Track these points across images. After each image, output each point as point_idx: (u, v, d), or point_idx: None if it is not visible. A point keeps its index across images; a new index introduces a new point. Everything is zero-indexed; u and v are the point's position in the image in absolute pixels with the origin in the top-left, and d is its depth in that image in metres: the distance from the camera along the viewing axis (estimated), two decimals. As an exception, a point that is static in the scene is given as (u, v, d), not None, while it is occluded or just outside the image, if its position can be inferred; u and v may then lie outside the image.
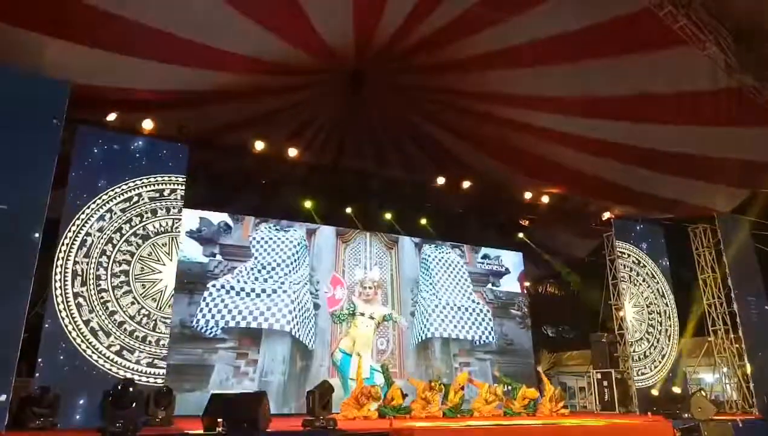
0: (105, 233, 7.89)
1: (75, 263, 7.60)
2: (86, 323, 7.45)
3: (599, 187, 12.01)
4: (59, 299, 7.35)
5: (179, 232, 8.59)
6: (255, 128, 10.63)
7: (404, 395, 9.35)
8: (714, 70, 8.40)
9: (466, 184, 12.11)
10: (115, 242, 7.96)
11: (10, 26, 7.09)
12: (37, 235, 6.63)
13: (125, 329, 7.67)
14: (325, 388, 7.34)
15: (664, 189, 11.69)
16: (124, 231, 8.05)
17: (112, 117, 8.77)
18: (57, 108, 7.10)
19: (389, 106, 11.49)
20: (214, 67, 8.97)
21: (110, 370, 7.42)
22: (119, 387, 6.76)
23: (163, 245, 8.28)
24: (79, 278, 7.56)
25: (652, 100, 9.36)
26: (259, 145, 10.28)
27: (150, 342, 7.78)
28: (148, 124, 8.85)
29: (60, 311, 7.31)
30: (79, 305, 7.47)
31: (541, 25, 8.45)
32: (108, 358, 7.46)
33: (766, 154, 10.31)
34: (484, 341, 13.12)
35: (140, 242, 8.12)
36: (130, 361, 7.56)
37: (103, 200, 7.96)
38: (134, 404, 6.68)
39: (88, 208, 7.84)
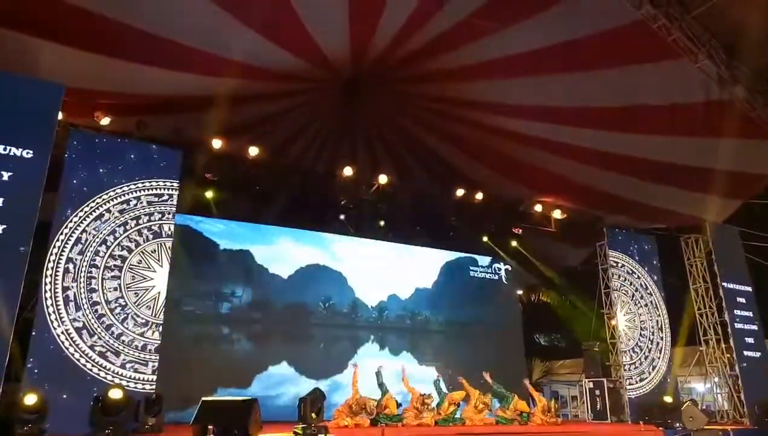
0: (100, 235, 7.82)
1: (67, 260, 7.56)
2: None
3: (592, 196, 12.07)
4: (48, 301, 7.28)
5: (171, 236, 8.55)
6: (250, 134, 10.61)
7: (398, 405, 9.30)
8: (706, 82, 8.49)
9: (459, 192, 12.13)
10: (118, 234, 7.97)
11: (4, 29, 7.06)
12: (27, 239, 6.56)
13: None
14: (317, 395, 7.29)
15: (656, 199, 11.77)
16: (127, 227, 8.05)
17: (106, 121, 8.75)
18: (50, 111, 7.06)
19: (384, 113, 11.51)
20: (209, 73, 8.95)
21: (90, 368, 7.28)
22: (108, 393, 6.68)
23: (170, 248, 8.33)
24: (71, 275, 7.53)
25: (645, 111, 9.43)
26: (254, 151, 10.25)
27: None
28: (141, 129, 8.81)
29: (49, 314, 7.24)
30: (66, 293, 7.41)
31: (534, 36, 8.50)
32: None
33: (758, 165, 10.43)
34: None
35: (150, 236, 8.15)
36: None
37: (97, 203, 7.91)
38: (124, 411, 6.59)
39: (82, 211, 7.78)
